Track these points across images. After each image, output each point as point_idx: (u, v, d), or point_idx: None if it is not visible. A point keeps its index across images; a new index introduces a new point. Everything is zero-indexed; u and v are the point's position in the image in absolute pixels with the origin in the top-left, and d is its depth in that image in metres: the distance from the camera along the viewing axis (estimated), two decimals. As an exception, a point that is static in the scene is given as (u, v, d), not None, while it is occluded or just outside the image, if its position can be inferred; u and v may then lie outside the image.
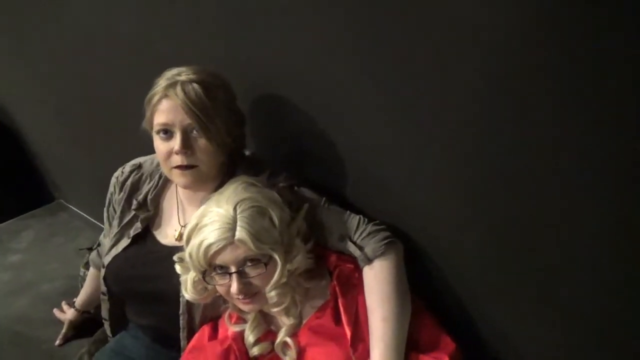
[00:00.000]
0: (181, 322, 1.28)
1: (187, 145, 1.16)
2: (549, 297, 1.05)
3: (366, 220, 1.20)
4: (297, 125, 1.30)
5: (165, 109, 1.16)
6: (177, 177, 1.21)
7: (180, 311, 1.27)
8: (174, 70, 1.19)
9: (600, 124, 0.82)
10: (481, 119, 0.95)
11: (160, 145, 1.19)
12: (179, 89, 1.15)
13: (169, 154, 1.18)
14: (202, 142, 1.17)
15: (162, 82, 1.18)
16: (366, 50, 1.05)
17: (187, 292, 1.18)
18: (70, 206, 2.44)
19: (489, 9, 0.85)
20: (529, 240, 1.02)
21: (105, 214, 1.45)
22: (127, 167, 1.41)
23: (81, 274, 1.81)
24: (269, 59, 1.26)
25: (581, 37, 0.78)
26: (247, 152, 1.34)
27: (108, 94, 1.87)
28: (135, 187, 1.38)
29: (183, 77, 1.16)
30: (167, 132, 1.17)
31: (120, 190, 1.39)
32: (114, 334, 1.50)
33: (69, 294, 1.83)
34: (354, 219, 1.20)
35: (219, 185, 1.21)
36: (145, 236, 1.34)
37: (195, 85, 1.15)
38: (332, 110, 1.21)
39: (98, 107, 1.97)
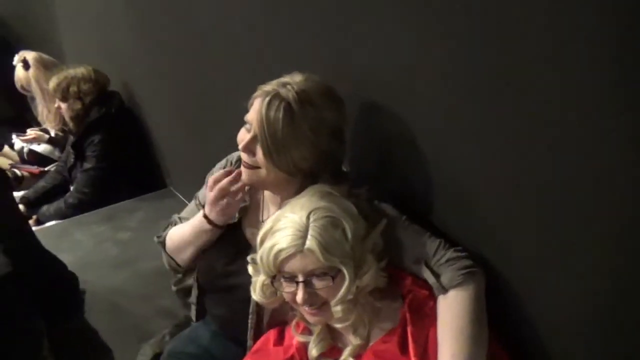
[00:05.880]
0: (249, 321, 1.23)
1: (248, 149, 1.13)
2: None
3: (447, 245, 1.07)
4: (386, 139, 1.22)
5: (254, 107, 1.13)
6: (242, 172, 1.18)
7: (250, 310, 1.22)
8: (288, 78, 1.13)
9: None
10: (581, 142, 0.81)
11: (240, 133, 1.17)
12: (267, 100, 1.09)
13: (240, 147, 1.16)
14: (259, 153, 1.12)
15: (272, 83, 1.13)
16: (463, 63, 0.95)
17: (256, 294, 1.12)
18: (178, 194, 2.50)
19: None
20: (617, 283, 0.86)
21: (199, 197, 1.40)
22: (235, 157, 1.36)
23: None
24: (366, 69, 1.19)
25: None
26: None
27: (219, 91, 1.89)
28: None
29: (283, 91, 1.10)
30: (248, 127, 1.15)
31: None
32: (197, 319, 1.48)
33: (163, 274, 1.84)
34: (433, 242, 1.07)
35: (299, 189, 1.14)
36: (239, 227, 1.31)
37: (284, 106, 1.08)
38: (424, 128, 1.11)
39: (209, 103, 2.01)
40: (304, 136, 1.10)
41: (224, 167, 1.36)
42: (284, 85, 1.11)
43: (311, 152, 1.12)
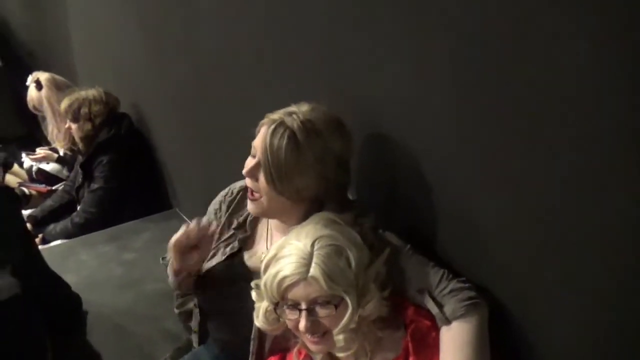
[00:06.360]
0: (251, 347, 1.23)
1: (251, 173, 1.15)
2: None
3: (450, 275, 1.06)
4: (392, 167, 1.22)
5: (260, 134, 1.14)
6: (248, 202, 1.20)
7: (252, 336, 1.22)
8: (295, 107, 1.14)
9: None
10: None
11: (247, 160, 1.18)
12: (271, 128, 1.10)
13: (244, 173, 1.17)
14: (262, 179, 1.13)
15: (279, 112, 1.14)
16: (470, 92, 0.96)
17: (259, 321, 1.12)
18: (183, 216, 2.50)
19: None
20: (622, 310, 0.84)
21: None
22: (237, 187, 1.39)
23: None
24: (376, 99, 1.20)
25: None
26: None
27: (227, 115, 1.91)
28: (239, 208, 1.36)
29: (289, 119, 1.10)
30: (253, 153, 1.16)
31: (227, 208, 1.37)
32: (199, 344, 1.47)
33: (168, 296, 1.84)
34: (437, 273, 1.07)
35: (304, 216, 1.15)
36: (237, 255, 1.32)
37: (288, 134, 1.09)
38: (430, 157, 1.11)
39: (217, 127, 2.02)
40: (307, 165, 1.10)
41: (226, 196, 1.39)
42: (290, 114, 1.12)
43: (315, 181, 1.13)
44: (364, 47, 1.14)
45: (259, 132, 1.16)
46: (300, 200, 1.15)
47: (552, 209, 0.88)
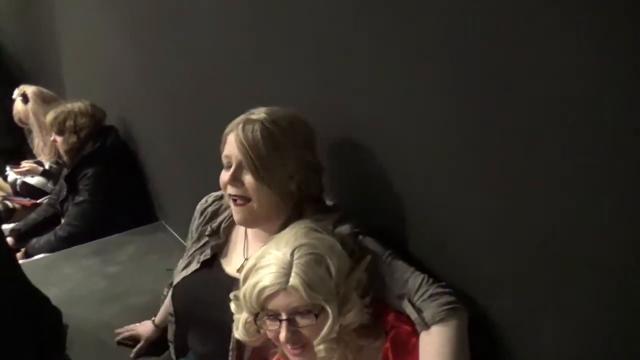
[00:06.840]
0: (230, 358, 1.20)
1: (235, 178, 1.14)
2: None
3: (431, 280, 1.05)
4: (369, 172, 1.22)
5: (229, 142, 1.16)
6: (234, 212, 1.19)
7: (230, 347, 1.20)
8: (256, 109, 1.18)
9: None
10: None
11: (222, 174, 1.18)
12: (241, 126, 1.13)
13: (225, 184, 1.16)
14: (248, 178, 1.13)
15: (240, 118, 1.17)
16: (449, 100, 0.97)
17: (238, 332, 1.09)
18: (169, 228, 2.47)
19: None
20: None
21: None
22: (212, 196, 1.40)
23: (164, 292, 1.79)
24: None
25: None
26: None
27: (214, 129, 1.87)
28: (214, 216, 1.36)
29: (254, 116, 1.15)
30: (228, 164, 1.16)
31: (200, 216, 1.38)
32: (177, 357, 1.45)
33: (152, 309, 1.80)
34: (417, 278, 1.05)
35: (284, 225, 1.14)
36: (213, 263, 1.32)
37: (258, 126, 1.12)
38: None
39: (203, 140, 1.99)
40: (285, 149, 1.13)
41: (201, 204, 1.40)
42: (251, 113, 1.16)
43: (295, 167, 1.15)
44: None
45: (225, 142, 1.17)
46: (287, 194, 1.16)
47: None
